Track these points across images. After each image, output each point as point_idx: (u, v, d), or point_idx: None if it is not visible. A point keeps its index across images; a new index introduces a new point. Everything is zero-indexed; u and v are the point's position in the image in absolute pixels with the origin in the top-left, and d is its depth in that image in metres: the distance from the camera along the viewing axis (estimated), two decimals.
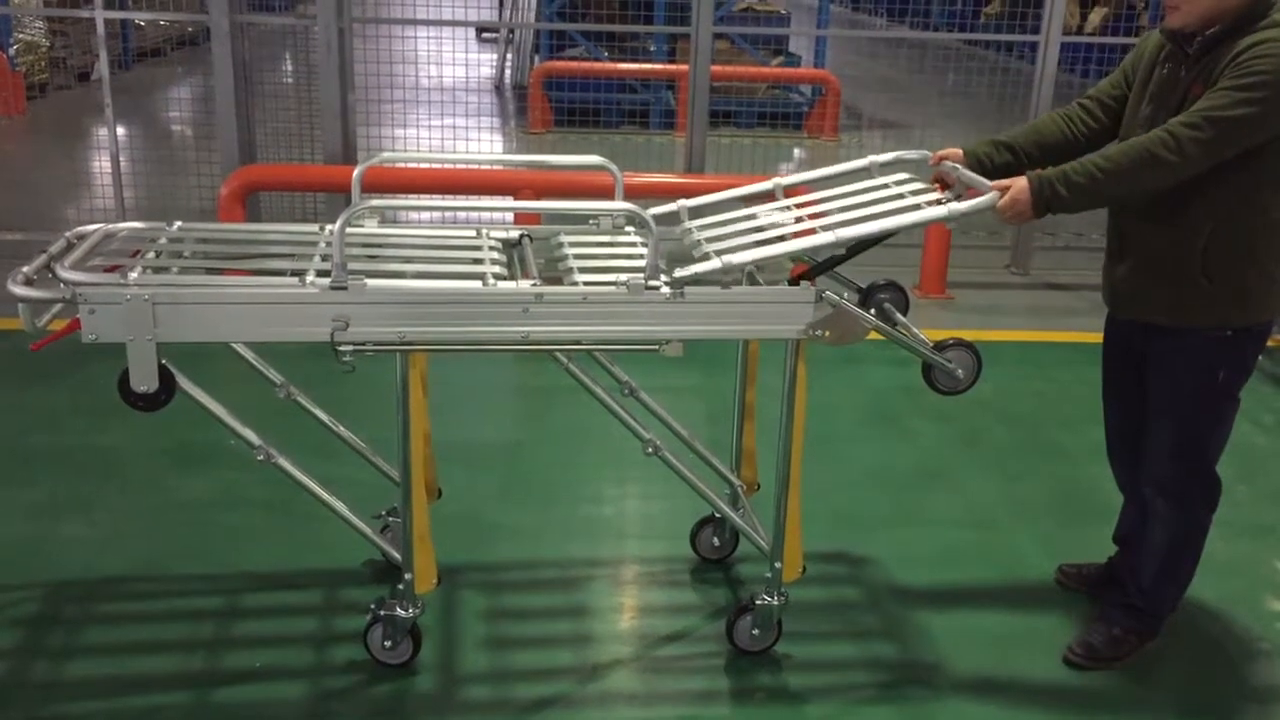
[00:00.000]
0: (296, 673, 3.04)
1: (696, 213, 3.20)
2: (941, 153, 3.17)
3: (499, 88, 12.73)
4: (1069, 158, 3.02)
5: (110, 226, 3.00)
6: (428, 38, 7.99)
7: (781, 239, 2.93)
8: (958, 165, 3.09)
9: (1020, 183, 2.84)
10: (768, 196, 3.29)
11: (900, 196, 3.04)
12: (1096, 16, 14.58)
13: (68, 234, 2.91)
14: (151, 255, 2.84)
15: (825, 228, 2.87)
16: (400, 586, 2.98)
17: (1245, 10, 2.78)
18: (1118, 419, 3.43)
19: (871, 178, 3.21)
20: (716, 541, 3.64)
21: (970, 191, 2.95)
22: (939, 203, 2.94)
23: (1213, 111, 2.71)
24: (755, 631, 3.16)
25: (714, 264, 2.75)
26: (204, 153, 6.75)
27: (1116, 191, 2.84)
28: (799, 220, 3.04)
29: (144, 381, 2.63)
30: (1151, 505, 3.21)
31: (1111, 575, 3.52)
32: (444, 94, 8.76)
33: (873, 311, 2.90)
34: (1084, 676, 3.20)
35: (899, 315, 2.97)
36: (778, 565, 3.10)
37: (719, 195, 3.25)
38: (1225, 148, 2.74)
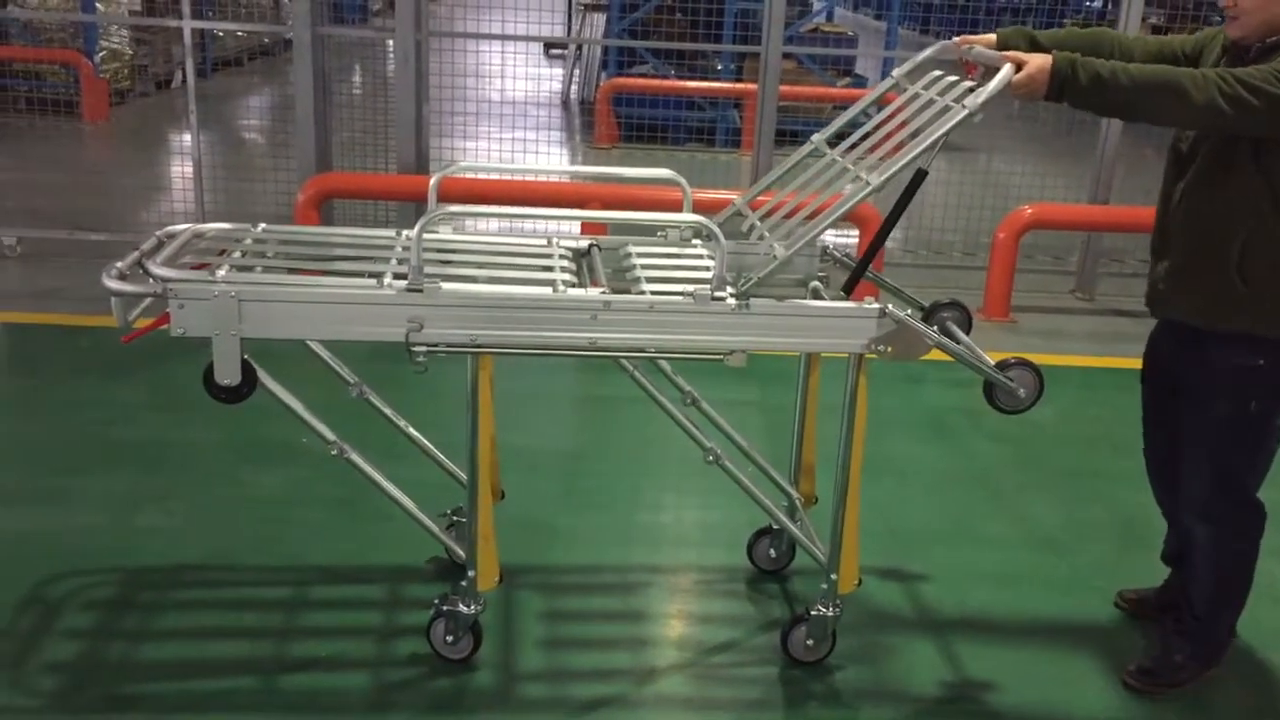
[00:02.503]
0: (360, 663, 3.13)
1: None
2: (968, 38, 3.07)
3: (566, 103, 12.88)
4: None
5: (199, 227, 3.13)
6: (501, 52, 8.13)
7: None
8: (973, 44, 3.02)
9: (1040, 59, 2.71)
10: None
11: (930, 104, 2.97)
12: None
13: (158, 233, 3.04)
14: (237, 255, 2.95)
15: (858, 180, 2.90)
16: (463, 583, 3.06)
17: None
18: (1157, 445, 3.41)
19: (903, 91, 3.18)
20: (773, 553, 3.67)
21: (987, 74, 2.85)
22: (969, 91, 2.84)
23: (1250, 78, 2.65)
24: (810, 642, 3.20)
25: (772, 265, 2.80)
26: (280, 159, 6.93)
27: (1130, 100, 2.72)
28: (845, 172, 3.05)
29: (228, 375, 2.74)
30: (1192, 533, 3.20)
31: (1169, 598, 3.49)
32: (513, 108, 8.91)
33: (935, 329, 2.93)
34: (1142, 703, 3.19)
35: (961, 334, 2.99)
36: (834, 577, 3.13)
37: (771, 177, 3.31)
38: (1247, 117, 2.66)
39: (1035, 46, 3.05)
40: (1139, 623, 3.55)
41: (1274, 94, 2.63)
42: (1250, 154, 2.82)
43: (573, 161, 10.31)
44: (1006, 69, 2.79)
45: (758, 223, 3.22)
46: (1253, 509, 3.14)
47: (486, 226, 6.61)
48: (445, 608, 3.08)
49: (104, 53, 11.10)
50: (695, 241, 3.35)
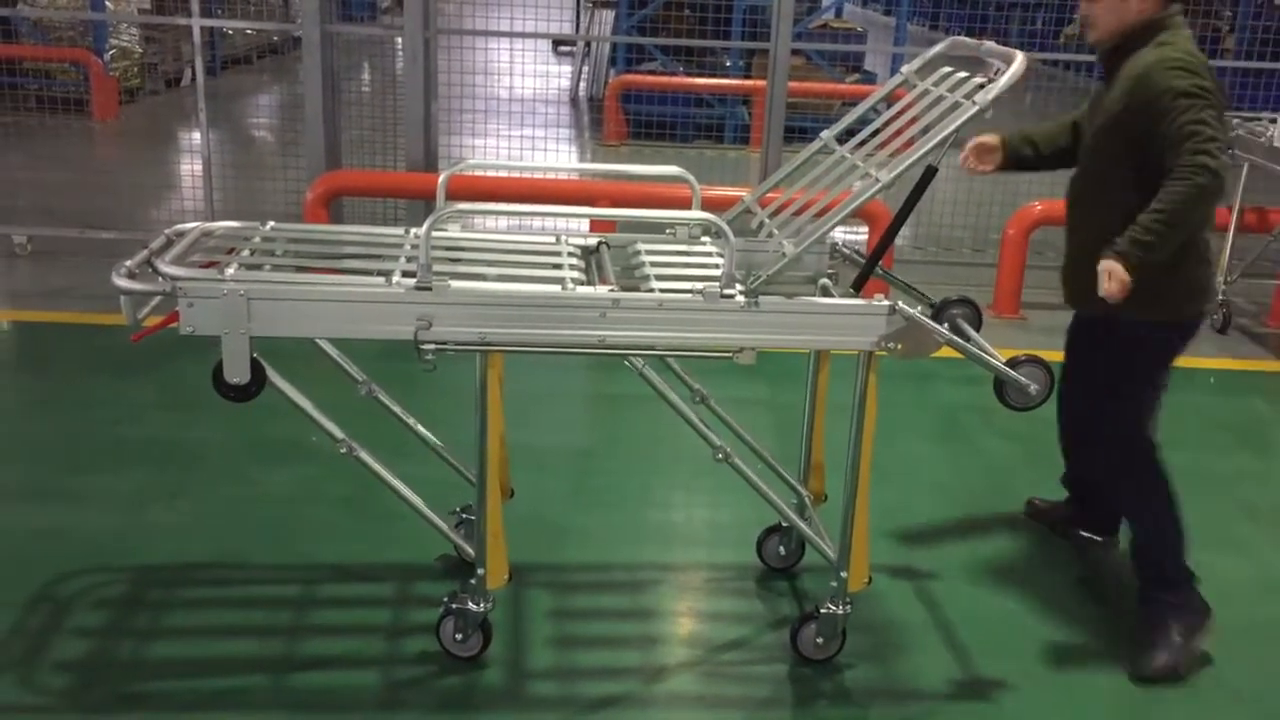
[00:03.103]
0: (370, 661, 3.13)
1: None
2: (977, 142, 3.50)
3: (575, 100, 12.88)
4: (1059, 165, 3.56)
5: (208, 225, 3.13)
6: (508, 49, 8.13)
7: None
8: (981, 41, 3.15)
9: (1113, 267, 3.03)
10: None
11: (941, 100, 2.99)
12: None
13: (167, 231, 3.04)
14: (246, 253, 2.96)
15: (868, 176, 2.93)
16: (472, 582, 3.06)
17: (1143, 25, 3.17)
18: (1076, 405, 3.74)
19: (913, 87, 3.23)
20: (782, 550, 3.67)
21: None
22: (980, 88, 2.88)
23: (1198, 144, 2.99)
24: (820, 640, 3.19)
25: (781, 262, 2.79)
26: (289, 157, 6.94)
27: (1175, 233, 3.05)
28: (854, 169, 3.08)
29: (237, 374, 2.74)
30: (1118, 503, 3.57)
31: (1068, 514, 3.98)
32: (521, 105, 8.90)
33: (945, 326, 2.92)
34: (1151, 703, 3.18)
35: (971, 330, 2.98)
36: (844, 575, 3.12)
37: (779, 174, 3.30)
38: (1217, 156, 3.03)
39: (1030, 143, 3.55)
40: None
41: (1213, 134, 3.02)
42: (1131, 163, 3.16)
43: (581, 159, 10.31)
44: (1019, 62, 2.79)
45: (767, 220, 3.21)
46: (1148, 441, 3.48)
47: (495, 224, 6.61)
48: (454, 606, 3.08)
49: (114, 51, 11.12)
50: (704, 239, 3.35)
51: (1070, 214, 3.44)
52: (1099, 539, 3.94)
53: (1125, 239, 3.03)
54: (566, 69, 14.04)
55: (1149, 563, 3.43)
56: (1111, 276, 3.03)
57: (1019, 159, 3.54)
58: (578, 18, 14.17)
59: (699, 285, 2.80)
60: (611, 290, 2.82)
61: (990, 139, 3.49)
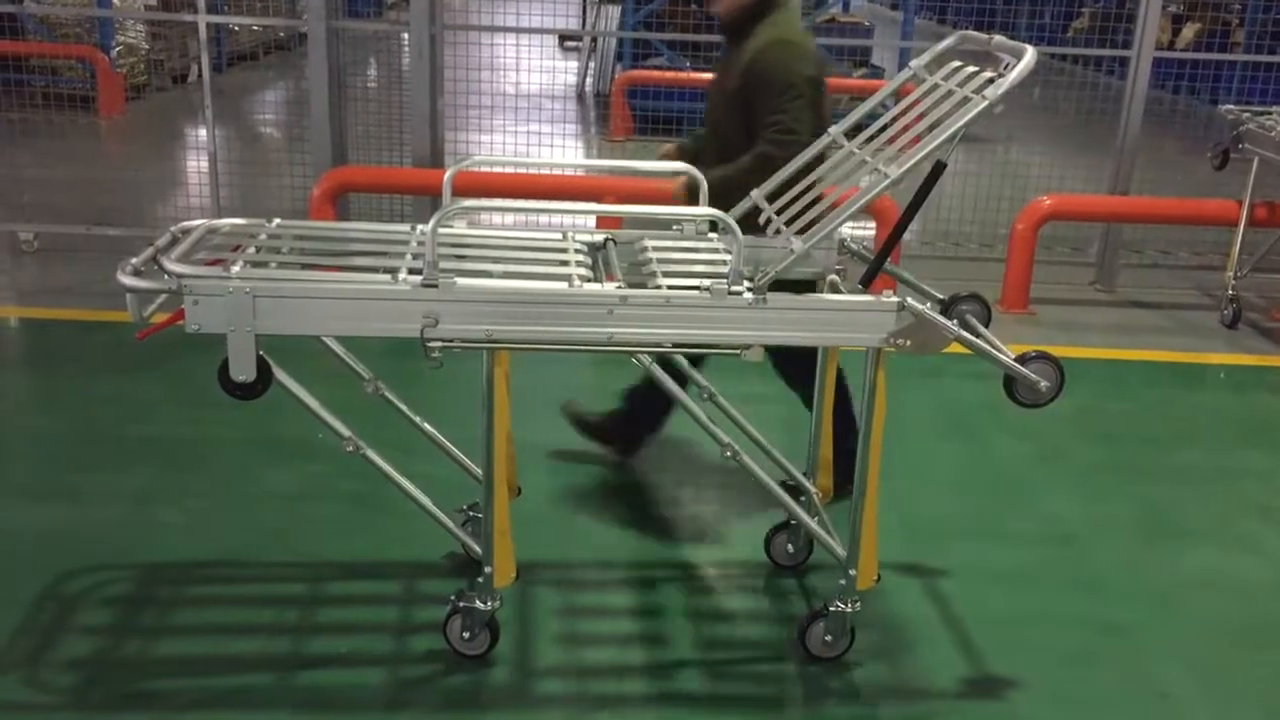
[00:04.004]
0: (377, 659, 3.12)
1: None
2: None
3: (581, 95, 12.85)
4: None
5: (213, 222, 3.12)
6: (515, 45, 8.12)
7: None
8: (991, 35, 3.13)
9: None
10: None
11: (949, 95, 2.97)
12: (1190, 32, 14.30)
13: (173, 229, 3.03)
14: (252, 250, 2.94)
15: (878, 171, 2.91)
16: (479, 580, 3.05)
17: (758, 5, 3.52)
18: None
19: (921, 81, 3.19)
20: (791, 548, 3.65)
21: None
22: (989, 83, 2.85)
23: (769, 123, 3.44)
24: (828, 638, 3.18)
25: (789, 259, 2.78)
26: (295, 154, 6.93)
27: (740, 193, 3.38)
28: (862, 164, 3.06)
29: (243, 371, 2.73)
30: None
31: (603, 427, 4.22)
32: (527, 101, 8.89)
33: (954, 322, 2.90)
34: (1159, 701, 3.16)
35: (981, 327, 2.96)
36: (852, 573, 3.11)
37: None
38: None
39: (696, 139, 3.86)
40: (1159, 619, 3.51)
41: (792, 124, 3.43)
42: (750, 132, 3.51)
43: (588, 155, 10.28)
44: (1030, 56, 2.76)
45: (774, 216, 3.19)
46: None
47: (501, 221, 6.60)
48: (461, 604, 3.07)
49: (120, 48, 11.12)
50: (711, 235, 3.33)
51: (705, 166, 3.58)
52: (617, 456, 4.23)
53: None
54: (573, 64, 14.01)
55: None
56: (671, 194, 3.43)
57: (688, 155, 3.72)
58: (584, 13, 14.14)
59: (706, 282, 2.78)
60: (619, 287, 2.80)
61: (670, 148, 3.81)
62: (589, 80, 13.03)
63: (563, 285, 2.81)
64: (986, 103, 2.74)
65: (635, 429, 4.19)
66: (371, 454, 3.07)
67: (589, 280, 2.87)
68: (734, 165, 3.49)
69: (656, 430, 4.16)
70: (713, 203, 3.21)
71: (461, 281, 2.73)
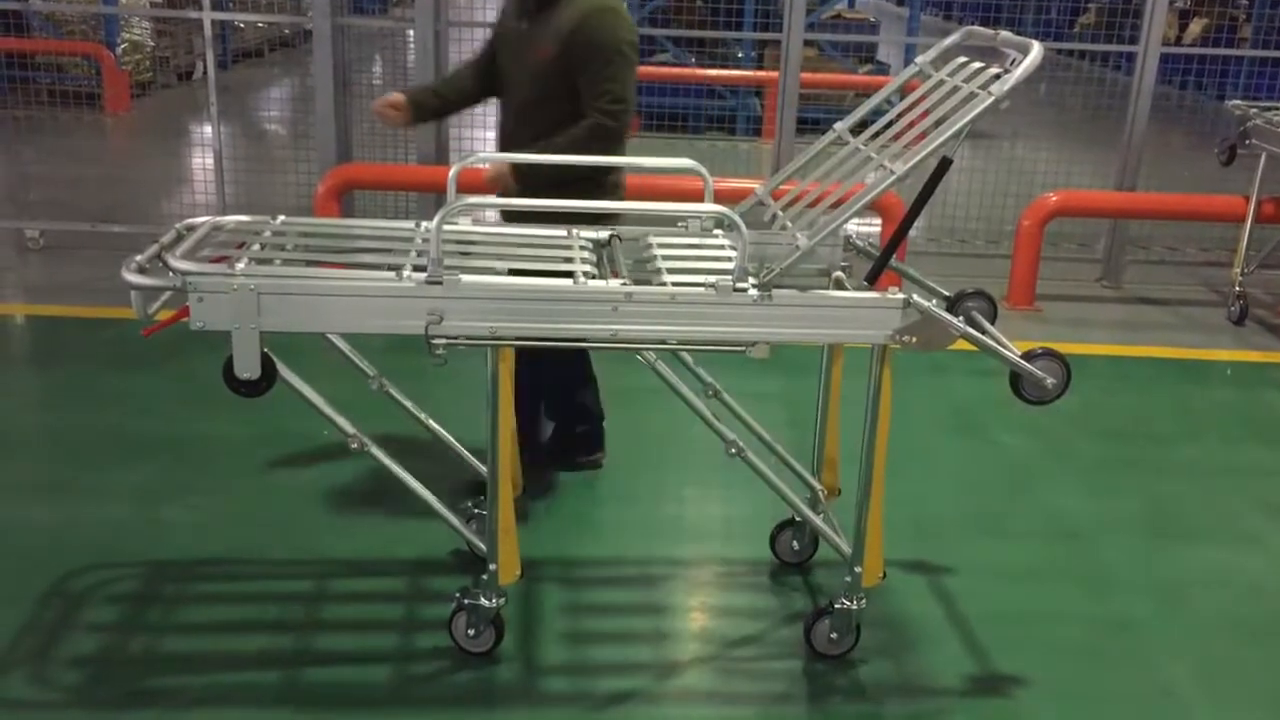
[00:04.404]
0: (382, 657, 3.12)
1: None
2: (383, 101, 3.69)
3: None
4: (472, 104, 3.85)
5: (218, 219, 3.12)
6: None
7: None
8: (997, 31, 3.12)
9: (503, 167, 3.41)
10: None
11: (955, 91, 2.97)
12: (1197, 27, 14.26)
13: (178, 225, 3.03)
14: (256, 248, 2.94)
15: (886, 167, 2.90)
16: (484, 577, 3.05)
17: None
18: None
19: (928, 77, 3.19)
20: (796, 545, 3.65)
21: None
22: (995, 78, 2.85)
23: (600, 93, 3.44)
24: (833, 635, 3.17)
25: (795, 256, 2.77)
26: (301, 151, 6.93)
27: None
28: (868, 160, 3.06)
29: (247, 369, 2.73)
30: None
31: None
32: None
33: (960, 318, 2.89)
34: (1172, 698, 3.15)
35: (987, 323, 2.95)
36: (858, 570, 3.10)
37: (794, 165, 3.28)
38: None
39: (436, 95, 3.83)
40: (1175, 622, 3.51)
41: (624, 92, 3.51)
42: (572, 100, 3.50)
43: None
44: (1036, 51, 2.75)
45: (780, 212, 3.19)
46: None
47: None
48: (467, 601, 3.07)
49: (125, 45, 11.13)
50: (716, 232, 3.32)
51: (506, 141, 3.67)
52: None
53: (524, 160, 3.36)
54: None
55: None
56: (496, 172, 3.40)
57: (426, 111, 3.77)
58: None
59: (711, 278, 2.78)
60: (623, 284, 2.80)
61: (398, 97, 3.69)
62: None
63: (567, 282, 2.80)
64: (992, 99, 2.73)
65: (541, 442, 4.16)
66: (376, 451, 3.06)
67: (593, 277, 2.86)
68: (566, 136, 3.45)
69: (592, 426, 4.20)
70: (538, 176, 3.31)
71: (466, 278, 2.73)
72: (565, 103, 3.48)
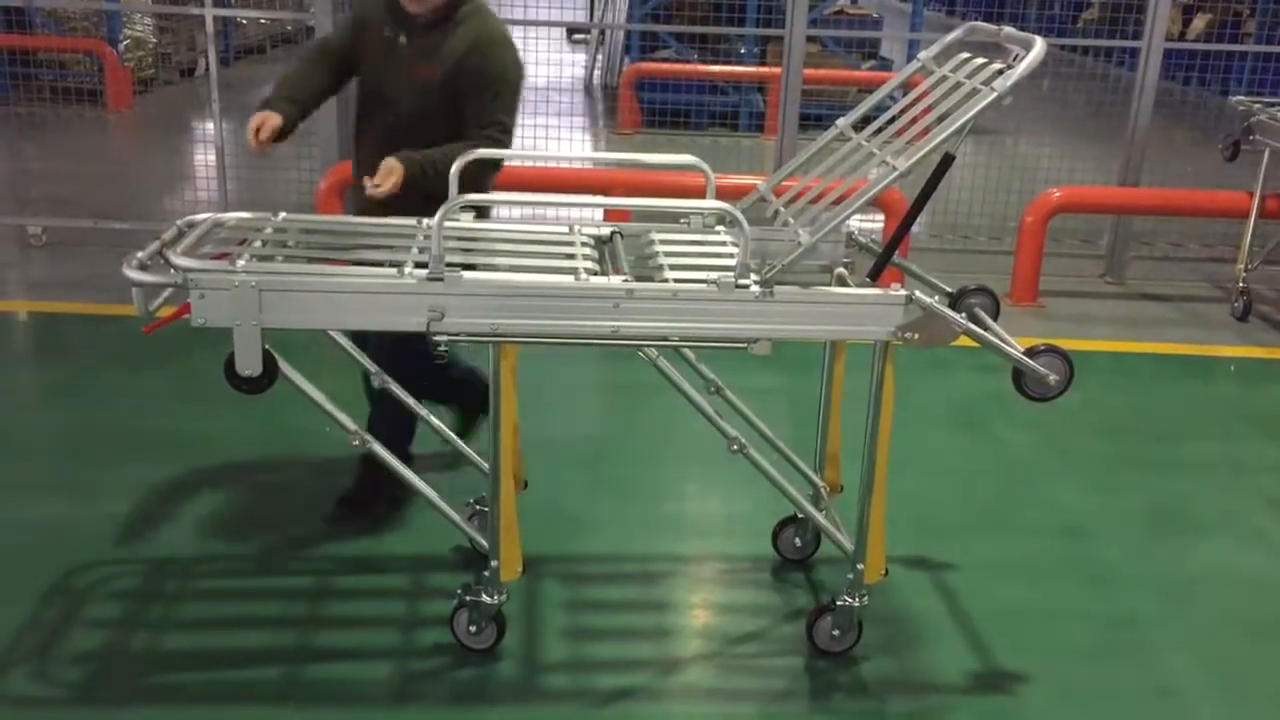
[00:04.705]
0: (384, 653, 3.12)
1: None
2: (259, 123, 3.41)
3: (589, 88, 12.83)
4: (322, 103, 3.61)
5: (219, 216, 3.12)
6: (522, 37, 8.10)
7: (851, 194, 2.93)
8: (1000, 26, 3.10)
9: (395, 165, 3.22)
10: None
11: (958, 86, 2.96)
12: (1200, 23, 14.23)
13: (179, 222, 3.03)
14: (258, 244, 2.94)
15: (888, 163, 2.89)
16: (486, 574, 3.04)
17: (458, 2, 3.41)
18: None
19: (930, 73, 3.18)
20: (798, 541, 3.64)
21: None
22: (998, 74, 2.84)
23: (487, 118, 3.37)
24: (835, 632, 3.17)
25: (797, 252, 2.76)
26: (303, 148, 6.92)
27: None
28: (870, 156, 3.05)
29: (248, 365, 2.73)
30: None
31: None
32: (535, 93, 8.86)
33: (963, 315, 2.89)
34: (1174, 695, 3.15)
35: (989, 320, 2.95)
36: (860, 567, 3.10)
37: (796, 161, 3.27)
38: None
39: (296, 104, 3.52)
40: (1169, 615, 3.50)
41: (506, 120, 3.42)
42: (457, 118, 3.41)
43: (595, 147, 10.27)
44: (1039, 47, 2.75)
45: (782, 208, 3.18)
46: None
47: (508, 214, 6.59)
48: (468, 598, 3.07)
49: (127, 41, 11.12)
50: (719, 228, 3.32)
51: (382, 149, 3.36)
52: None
53: (420, 154, 3.25)
54: (581, 57, 13.99)
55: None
56: (391, 173, 3.21)
57: (291, 124, 3.51)
58: (591, 5, 14.11)
59: (714, 275, 2.77)
60: (625, 280, 2.79)
61: (274, 121, 3.42)
62: (597, 73, 13.00)
63: (569, 279, 2.80)
64: (995, 94, 2.73)
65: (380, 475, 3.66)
66: (377, 447, 3.06)
67: (595, 274, 2.86)
68: (451, 150, 3.28)
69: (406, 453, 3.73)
70: (425, 185, 3.20)
71: (467, 275, 2.73)
72: (449, 120, 3.39)
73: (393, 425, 3.53)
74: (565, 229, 3.27)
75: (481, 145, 3.26)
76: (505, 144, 3.41)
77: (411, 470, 3.16)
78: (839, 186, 3.02)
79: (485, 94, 3.39)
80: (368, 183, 3.23)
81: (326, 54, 3.59)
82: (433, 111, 3.40)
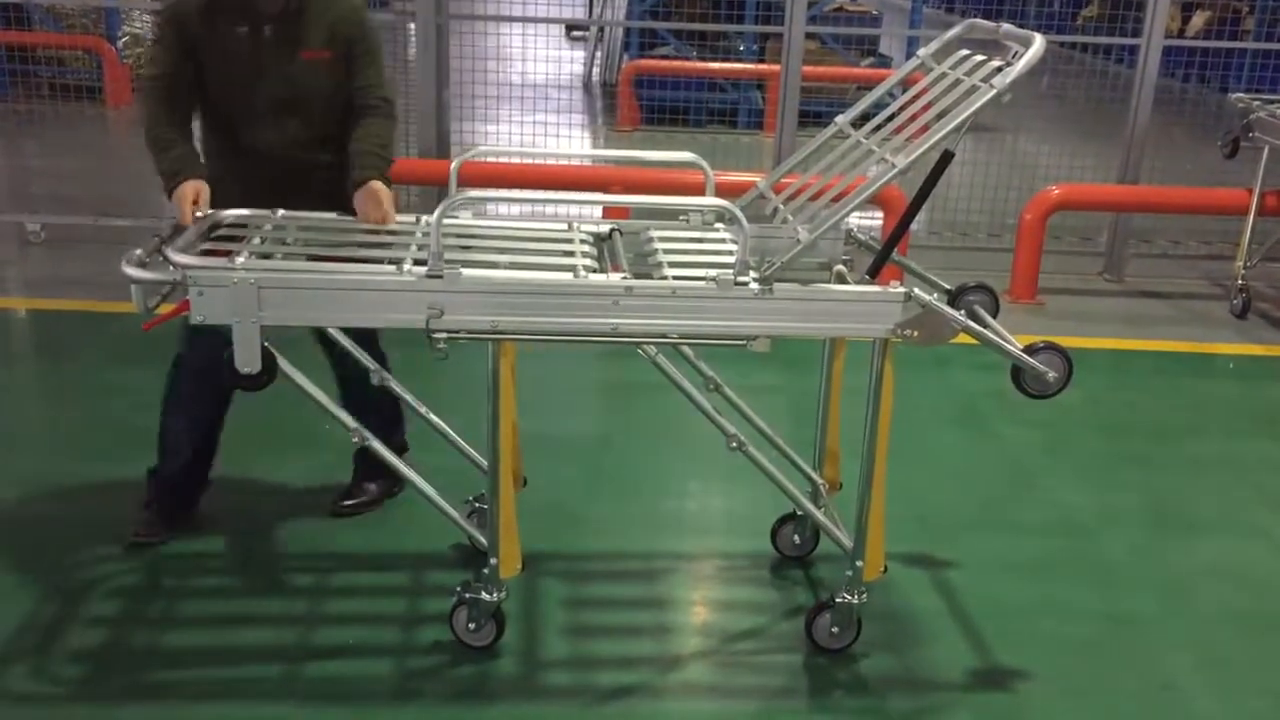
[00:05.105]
0: (383, 651, 3.12)
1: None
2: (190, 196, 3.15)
3: (588, 85, 12.83)
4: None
5: (218, 213, 3.12)
6: (521, 35, 8.10)
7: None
8: (999, 24, 3.09)
9: (382, 188, 3.22)
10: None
11: (957, 83, 2.96)
12: (1199, 20, 14.22)
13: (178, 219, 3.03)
14: (256, 241, 2.94)
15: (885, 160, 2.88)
16: (485, 571, 3.05)
17: None
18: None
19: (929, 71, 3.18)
20: (797, 539, 3.64)
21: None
22: (997, 71, 2.84)
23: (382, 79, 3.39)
24: (835, 629, 3.17)
25: (796, 249, 2.77)
26: None
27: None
28: (870, 154, 3.05)
29: (248, 363, 2.73)
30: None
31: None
32: (534, 91, 8.87)
33: (962, 312, 2.89)
34: (1175, 692, 3.15)
35: (988, 317, 2.95)
36: (859, 564, 3.10)
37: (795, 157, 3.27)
38: None
39: (188, 144, 3.33)
40: (1177, 613, 3.50)
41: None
42: (342, 95, 3.35)
43: (594, 145, 10.27)
44: (1038, 44, 2.74)
45: (781, 206, 3.18)
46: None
47: (507, 211, 6.59)
48: (467, 595, 3.07)
49: (126, 38, 11.10)
50: (718, 225, 3.32)
51: (279, 146, 3.31)
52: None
53: (373, 164, 3.23)
54: (579, 54, 13.98)
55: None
56: (384, 196, 3.20)
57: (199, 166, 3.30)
58: (590, 2, 14.10)
59: (713, 272, 2.77)
60: (624, 278, 2.79)
61: (203, 186, 3.18)
62: (596, 70, 13.00)
63: (568, 276, 2.80)
64: (994, 91, 2.73)
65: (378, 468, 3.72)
66: (377, 445, 3.06)
67: (594, 271, 2.86)
68: (383, 127, 3.36)
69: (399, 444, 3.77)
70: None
71: (467, 272, 2.73)
72: (336, 99, 3.34)
73: (383, 418, 3.53)
74: (564, 226, 3.27)
75: (386, 111, 3.34)
76: (395, 102, 3.42)
77: (409, 467, 3.16)
78: (838, 184, 3.02)
79: (368, 56, 3.36)
80: (368, 213, 3.18)
81: (175, 89, 3.29)
82: (328, 91, 3.33)
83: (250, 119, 3.30)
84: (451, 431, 3.53)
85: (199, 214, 3.09)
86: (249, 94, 3.28)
